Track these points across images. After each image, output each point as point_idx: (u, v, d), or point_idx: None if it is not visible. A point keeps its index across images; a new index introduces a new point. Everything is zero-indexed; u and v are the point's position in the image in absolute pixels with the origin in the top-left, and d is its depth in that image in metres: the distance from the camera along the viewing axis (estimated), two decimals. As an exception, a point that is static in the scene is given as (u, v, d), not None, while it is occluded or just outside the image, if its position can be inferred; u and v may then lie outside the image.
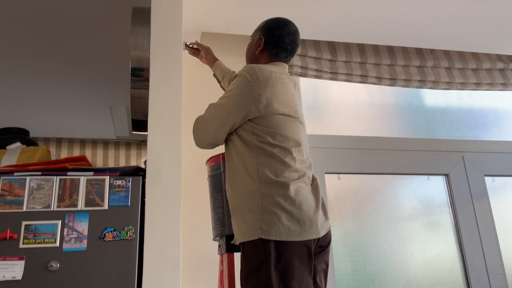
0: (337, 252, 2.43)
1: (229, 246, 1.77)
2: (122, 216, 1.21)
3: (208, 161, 1.96)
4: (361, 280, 2.41)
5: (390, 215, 2.58)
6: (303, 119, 1.63)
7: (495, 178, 2.74)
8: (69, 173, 1.24)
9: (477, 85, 2.76)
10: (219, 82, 2.07)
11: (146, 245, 1.20)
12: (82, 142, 3.33)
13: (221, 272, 1.84)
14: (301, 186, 1.44)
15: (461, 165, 2.71)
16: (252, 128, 1.49)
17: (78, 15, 2.14)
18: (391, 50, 2.73)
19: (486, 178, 2.71)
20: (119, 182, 1.22)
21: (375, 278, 2.43)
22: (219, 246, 1.86)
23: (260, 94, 1.47)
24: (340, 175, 2.61)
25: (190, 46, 2.15)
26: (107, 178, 1.23)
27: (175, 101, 1.47)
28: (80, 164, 1.30)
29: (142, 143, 3.37)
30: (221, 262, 1.84)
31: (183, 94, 1.57)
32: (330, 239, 1.51)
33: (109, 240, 1.17)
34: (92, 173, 1.25)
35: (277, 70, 1.58)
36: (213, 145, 1.63)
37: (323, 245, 1.47)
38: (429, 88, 2.74)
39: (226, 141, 1.60)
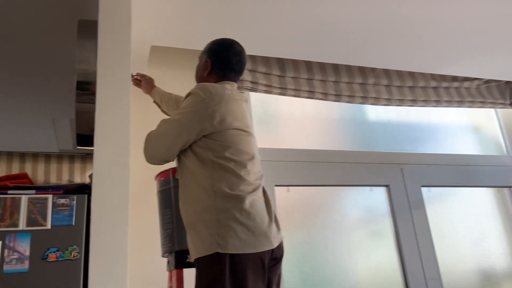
0: (286, 263, 2.46)
1: (178, 262, 1.76)
2: (66, 235, 1.17)
3: (157, 176, 1.95)
4: (309, 286, 2.48)
5: (336, 225, 2.67)
6: (253, 133, 1.68)
7: (431, 188, 2.93)
8: (9, 191, 1.19)
9: (413, 102, 2.95)
10: (159, 106, 2.11)
11: (92, 265, 1.17)
12: (22, 156, 3.15)
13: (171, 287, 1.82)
14: (255, 199, 1.47)
15: (400, 176, 2.87)
16: (207, 143, 1.50)
17: (21, 23, 2.06)
18: (336, 67, 2.85)
19: (423, 189, 2.89)
20: (63, 200, 1.19)
21: (321, 282, 2.50)
22: (168, 262, 1.85)
23: (214, 110, 1.50)
24: (290, 187, 2.68)
25: (135, 77, 2.18)
26: (50, 196, 1.19)
27: (123, 116, 1.46)
28: (21, 182, 1.25)
29: (86, 157, 3.25)
30: (170, 278, 1.83)
31: (131, 109, 1.55)
32: (283, 251, 1.56)
33: (52, 261, 1.13)
34: (34, 191, 1.21)
35: (229, 87, 1.61)
36: (164, 161, 1.62)
37: (277, 257, 1.51)
38: (371, 104, 2.90)
39: (179, 157, 1.60)
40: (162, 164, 1.69)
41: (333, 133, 2.96)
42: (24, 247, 1.12)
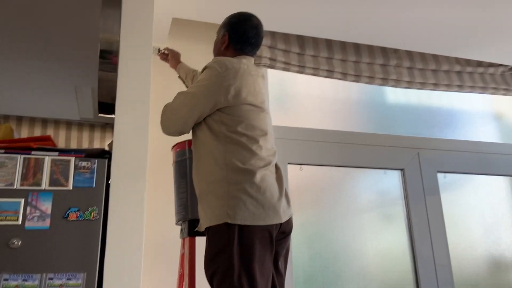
0: (295, 239, 2.52)
1: (191, 230, 1.81)
2: (87, 197, 1.22)
3: (174, 147, 1.98)
4: (317, 267, 2.52)
5: (348, 206, 2.69)
6: (269, 109, 1.70)
7: (447, 174, 2.91)
8: (33, 152, 1.24)
9: (435, 85, 2.90)
10: (183, 82, 2.13)
11: (110, 226, 1.22)
12: (44, 122, 3.24)
13: (182, 256, 1.88)
14: (266, 174, 1.50)
15: (416, 161, 2.86)
16: (221, 117, 1.54)
17: (46, -8, 2.09)
18: (357, 47, 2.82)
19: (438, 174, 2.88)
20: (84, 163, 1.24)
21: (330, 265, 2.54)
22: (181, 230, 1.90)
23: (229, 84, 1.52)
24: (302, 166, 2.70)
25: (162, 51, 2.19)
26: (72, 159, 1.24)
27: (144, 86, 1.49)
28: (45, 144, 1.30)
29: (106, 126, 3.32)
30: (183, 245, 1.88)
31: (152, 79, 1.58)
32: (291, 226, 1.59)
33: (73, 220, 1.19)
34: (57, 153, 1.26)
35: (245, 62, 1.62)
36: (180, 133, 1.66)
37: (285, 231, 1.55)
38: (391, 86, 2.86)
39: (194, 130, 1.64)
40: (178, 136, 1.73)
41: (350, 115, 2.95)
42: (46, 205, 1.17)
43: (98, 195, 1.23)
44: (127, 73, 1.50)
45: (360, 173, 2.80)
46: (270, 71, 2.76)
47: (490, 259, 2.81)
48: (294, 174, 2.67)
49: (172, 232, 2.12)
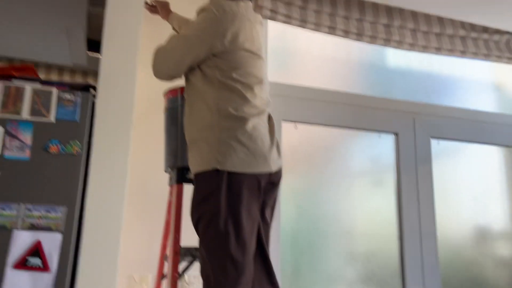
0: (285, 196, 2.52)
1: (179, 177, 1.79)
2: (69, 131, 1.18)
3: (166, 93, 1.93)
4: (305, 224, 2.53)
5: (340, 167, 2.68)
6: (266, 58, 1.64)
7: (441, 141, 2.89)
8: (14, 81, 1.18)
9: (438, 50, 2.83)
10: (177, 33, 2.04)
11: (93, 163, 1.18)
12: (36, 66, 3.15)
13: (170, 203, 1.86)
14: (259, 122, 1.47)
15: (411, 126, 2.82)
16: (216, 62, 1.49)
17: None
18: (361, 4, 2.71)
19: (432, 140, 2.85)
20: (67, 96, 1.18)
21: (317, 223, 2.56)
22: (170, 177, 1.88)
23: (226, 28, 1.46)
24: (297, 124, 2.66)
25: (150, 3, 2.11)
26: (55, 90, 1.18)
27: (133, 21, 1.41)
28: (28, 74, 1.24)
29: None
30: (170, 193, 1.87)
31: (142, 16, 1.50)
32: (281, 177, 1.57)
33: (54, 153, 1.15)
34: (39, 83, 1.20)
35: (243, 6, 1.55)
36: (172, 77, 1.61)
37: (274, 181, 1.53)
38: (393, 47, 2.78)
39: (187, 75, 1.59)
40: (170, 80, 1.68)
41: (349, 75, 2.88)
42: (25, 136, 1.13)
43: (81, 130, 1.19)
44: (116, 6, 1.42)
45: (355, 135, 2.77)
46: (270, 24, 2.67)
47: (476, 228, 2.84)
48: (289, 132, 2.63)
49: (160, 180, 2.10)
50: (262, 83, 1.55)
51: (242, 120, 1.43)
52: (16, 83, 1.16)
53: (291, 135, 2.64)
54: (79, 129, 1.19)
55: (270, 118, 1.61)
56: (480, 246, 2.82)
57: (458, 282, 2.73)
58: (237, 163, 1.38)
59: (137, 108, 2.16)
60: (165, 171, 1.89)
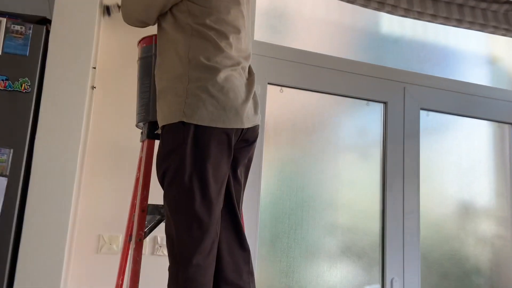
0: (267, 161, 2.43)
1: (150, 132, 1.69)
2: (18, 66, 1.06)
3: (139, 42, 1.80)
4: (286, 191, 2.46)
5: (326, 135, 2.59)
6: (248, 8, 1.52)
7: (430, 113, 2.80)
8: (-42, 8, 1.06)
9: (433, 17, 2.71)
10: None
11: (43, 102, 1.07)
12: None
13: (140, 159, 1.77)
14: (233, 74, 1.37)
15: (401, 95, 2.73)
16: (188, 7, 1.37)
17: None
18: (356, -36, 2.57)
19: (422, 112, 2.77)
20: (17, 27, 1.06)
21: (299, 190, 2.49)
22: (142, 133, 1.78)
23: None
24: (283, 88, 2.55)
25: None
26: (3, 20, 1.06)
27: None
28: (-26, 2, 1.11)
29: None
30: (142, 149, 1.77)
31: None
32: (256, 135, 1.48)
33: (0, 89, 1.03)
34: (-13, 14, 1.08)
35: None
36: (142, 23, 1.51)
37: (248, 139, 1.44)
38: (387, 12, 2.66)
39: (159, 21, 1.47)
40: (141, 27, 1.59)
41: (340, 40, 2.76)
42: (-32, 68, 1.01)
43: (32, 66, 1.07)
44: None
45: (342, 102, 2.67)
46: (258, -21, 2.52)
47: (459, 204, 2.79)
48: (274, 95, 2.52)
49: (133, 136, 2.00)
50: (240, 33, 1.43)
51: (213, 71, 1.32)
52: (-41, 9, 1.03)
53: (276, 98, 2.53)
54: (29, 64, 1.07)
55: (250, 72, 1.51)
56: (462, 222, 2.78)
57: (437, 256, 2.70)
58: (205, 116, 1.28)
59: (109, 58, 2.03)
60: (136, 126, 1.78)
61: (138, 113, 1.77)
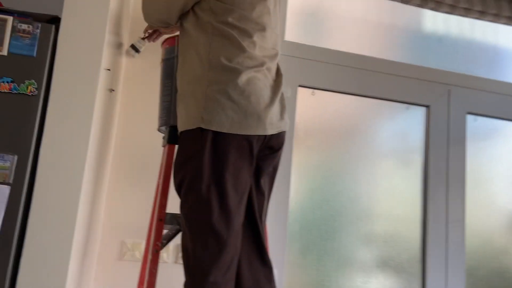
0: (296, 168, 2.30)
1: (171, 137, 1.61)
2: (24, 67, 1.00)
3: (163, 43, 1.74)
4: (317, 200, 2.32)
5: (361, 141, 2.43)
6: (276, 4, 1.41)
7: (478, 117, 2.58)
8: (-33, 8, 1.01)
9: (482, 14, 2.49)
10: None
11: (51, 106, 1.01)
12: None
13: (161, 166, 1.69)
14: (256, 76, 1.26)
15: (445, 98, 2.52)
16: (210, 5, 1.28)
17: None
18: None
19: (468, 116, 2.55)
20: (24, 26, 1.00)
21: (332, 200, 2.34)
22: (164, 137, 1.71)
23: None
24: (315, 90, 2.41)
25: (145, 37, 1.81)
26: (10, 19, 1.00)
27: None
28: (-16, 1, 1.06)
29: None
30: (163, 154, 1.70)
31: None
32: (282, 142, 1.37)
33: (4, 92, 0.98)
34: (-5, 12, 1.02)
35: None
36: (163, 23, 1.44)
37: (273, 146, 1.33)
38: (430, 9, 2.47)
39: (181, 21, 1.39)
40: (162, 26, 1.53)
41: (378, 40, 2.59)
42: (-28, 70, 0.96)
43: (39, 67, 1.01)
44: None
45: (380, 105, 2.50)
46: (290, -22, 2.41)
47: (508, 216, 2.55)
48: (305, 98, 2.39)
49: (152, 140, 1.94)
50: (266, 31, 1.33)
51: (234, 72, 1.22)
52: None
53: (307, 102, 2.40)
54: (36, 66, 1.01)
55: (278, 73, 1.40)
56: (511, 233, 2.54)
57: (484, 273, 2.47)
58: (225, 122, 1.19)
59: (135, 59, 1.98)
60: (158, 130, 1.72)
61: (160, 117, 1.70)
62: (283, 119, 1.34)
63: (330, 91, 2.42)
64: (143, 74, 1.99)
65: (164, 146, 1.69)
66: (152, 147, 1.94)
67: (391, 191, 2.41)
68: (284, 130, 1.34)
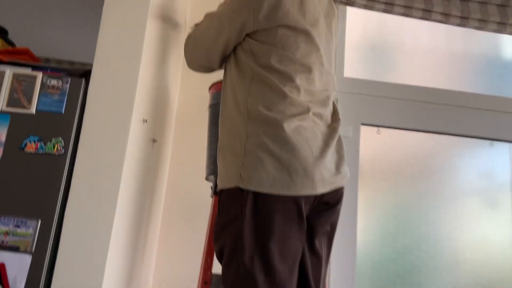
0: (363, 219, 2.06)
1: (216, 188, 1.49)
2: (52, 124, 0.94)
3: (210, 87, 1.66)
4: (390, 253, 2.05)
5: (437, 183, 2.14)
6: (329, 41, 1.26)
7: None
8: (2, 66, 0.99)
9: None
10: None
11: (78, 165, 0.93)
12: (72, 64, 3.09)
13: (209, 218, 1.57)
14: (301, 125, 1.09)
15: (536, 133, 2.18)
16: (251, 45, 1.16)
17: None
18: (466, -19, 2.17)
19: None
20: (54, 82, 0.95)
21: (407, 253, 2.05)
22: (211, 187, 1.59)
23: None
24: (380, 128, 2.19)
25: None
26: (39, 75, 0.96)
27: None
28: (21, 58, 1.04)
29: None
30: (211, 205, 1.58)
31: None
32: (340, 196, 1.17)
33: (31, 152, 0.92)
34: (29, 69, 0.99)
35: None
36: (206, 68, 1.35)
37: (329, 202, 1.14)
38: (509, 34, 2.18)
39: (225, 64, 1.29)
40: (205, 72, 1.42)
41: (451, 70, 2.33)
42: (0, 131, 0.92)
43: (67, 124, 0.94)
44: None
45: (456, 143, 2.21)
46: (350, 10, 2.27)
47: None
48: (369, 138, 2.18)
49: (202, 190, 1.83)
50: (311, 72, 1.15)
51: (275, 123, 1.06)
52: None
53: (372, 141, 2.18)
54: (64, 123, 0.94)
55: (335, 118, 1.22)
56: None
57: None
58: (265, 181, 1.02)
59: (181, 105, 1.92)
60: (206, 179, 1.61)
61: (207, 166, 1.59)
62: (340, 172, 1.15)
63: (398, 129, 2.19)
64: (193, 120, 1.92)
65: (212, 197, 1.58)
66: (202, 196, 1.83)
67: (477, 236, 2.08)
68: (341, 186, 1.15)
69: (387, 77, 2.27)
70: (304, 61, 1.14)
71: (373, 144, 2.18)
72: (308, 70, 1.15)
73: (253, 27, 1.13)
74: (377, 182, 2.14)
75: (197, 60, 1.32)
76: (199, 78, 1.77)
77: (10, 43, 1.52)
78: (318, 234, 1.14)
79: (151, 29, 1.12)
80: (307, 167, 1.04)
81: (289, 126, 1.06)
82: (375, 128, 2.18)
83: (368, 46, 2.33)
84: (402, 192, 2.14)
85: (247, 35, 1.16)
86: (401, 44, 2.35)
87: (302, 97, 1.12)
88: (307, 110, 1.11)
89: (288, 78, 1.11)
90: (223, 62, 1.30)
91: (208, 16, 1.27)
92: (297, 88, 1.11)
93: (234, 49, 1.21)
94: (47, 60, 2.91)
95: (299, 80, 1.12)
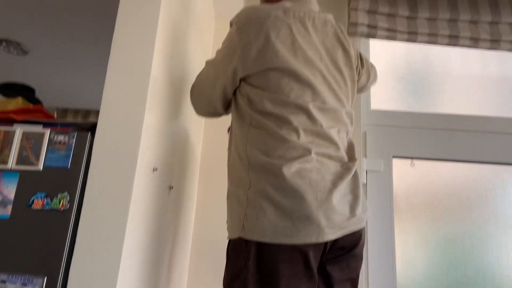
0: (402, 260, 1.93)
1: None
2: (58, 180, 0.95)
3: (228, 129, 1.65)
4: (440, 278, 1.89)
5: (483, 216, 1.98)
6: (333, 73, 1.20)
7: None
8: (15, 125, 1.03)
9: None
10: None
11: (82, 221, 0.93)
12: (88, 113, 3.20)
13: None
14: (304, 167, 1.03)
15: None
16: (246, 90, 1.13)
17: None
18: (494, 3, 2.09)
19: None
20: (61, 137, 0.97)
21: (450, 285, 1.88)
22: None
23: (248, 42, 1.08)
24: (414, 160, 2.09)
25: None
26: (47, 131, 0.98)
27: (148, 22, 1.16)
28: (33, 116, 1.08)
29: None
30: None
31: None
32: (358, 239, 1.09)
33: (37, 209, 0.93)
34: (41, 126, 1.02)
35: (288, 6, 1.15)
36: (212, 115, 1.35)
37: (345, 246, 1.06)
38: (548, 52, 2.05)
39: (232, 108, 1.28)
40: (213, 118, 1.44)
41: (487, 95, 2.21)
42: (9, 189, 0.94)
43: (73, 179, 0.95)
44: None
45: (501, 171, 2.06)
46: (372, 40, 2.24)
47: None
48: (403, 171, 2.08)
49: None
50: (310, 112, 1.09)
51: (274, 168, 1.01)
52: (9, 127, 1.00)
53: (406, 174, 2.07)
54: (69, 178, 0.95)
55: (351, 157, 1.15)
56: None
57: None
58: (267, 230, 0.97)
59: (205, 147, 1.92)
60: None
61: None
62: (355, 215, 1.06)
63: (433, 160, 2.07)
64: (219, 161, 1.91)
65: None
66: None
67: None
68: (356, 230, 1.07)
69: (418, 107, 2.18)
70: (299, 102, 1.08)
71: (407, 177, 2.07)
72: (305, 110, 1.09)
73: (244, 72, 1.11)
74: (414, 217, 2.01)
75: (202, 107, 1.32)
76: (223, 119, 1.77)
77: (36, 101, 1.59)
78: (337, 282, 1.06)
79: (157, 74, 1.13)
80: (310, 213, 0.98)
81: (289, 171, 1.01)
82: (409, 161, 2.08)
83: (395, 76, 2.26)
84: (443, 227, 1.99)
85: (242, 80, 1.14)
86: (429, 72, 2.26)
87: (303, 139, 1.06)
88: (309, 152, 1.06)
89: (285, 121, 1.06)
90: (229, 106, 1.29)
91: (208, 63, 1.28)
92: (296, 130, 1.06)
93: (235, 93, 1.20)
94: (65, 110, 3.05)
95: (297, 121, 1.07)
